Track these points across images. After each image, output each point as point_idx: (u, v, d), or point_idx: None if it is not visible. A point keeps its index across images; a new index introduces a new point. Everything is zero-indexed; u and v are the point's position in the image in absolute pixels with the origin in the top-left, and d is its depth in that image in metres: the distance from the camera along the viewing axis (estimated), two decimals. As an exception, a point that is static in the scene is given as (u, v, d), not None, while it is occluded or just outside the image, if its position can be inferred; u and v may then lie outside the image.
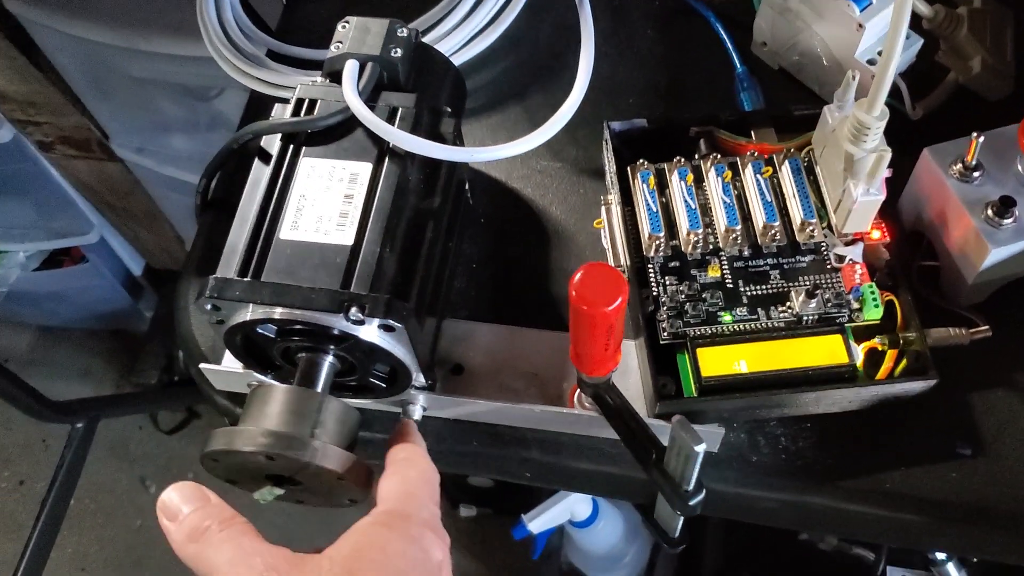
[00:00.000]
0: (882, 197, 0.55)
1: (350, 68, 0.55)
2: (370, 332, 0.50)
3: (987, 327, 0.57)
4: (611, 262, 0.59)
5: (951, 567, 0.90)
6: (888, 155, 0.52)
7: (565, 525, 1.18)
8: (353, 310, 0.48)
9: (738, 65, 0.70)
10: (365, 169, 0.53)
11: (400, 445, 0.50)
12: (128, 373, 1.69)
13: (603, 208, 0.61)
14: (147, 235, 1.53)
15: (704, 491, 0.50)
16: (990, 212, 0.55)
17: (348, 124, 0.55)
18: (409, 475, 0.48)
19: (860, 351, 0.56)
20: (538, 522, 1.13)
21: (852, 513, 0.55)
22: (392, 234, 0.52)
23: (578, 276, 0.44)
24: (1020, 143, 0.55)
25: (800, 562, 1.12)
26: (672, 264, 0.58)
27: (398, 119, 0.54)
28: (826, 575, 1.10)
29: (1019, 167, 0.57)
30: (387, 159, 0.53)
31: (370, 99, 0.55)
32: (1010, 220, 0.55)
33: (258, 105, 0.72)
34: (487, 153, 0.54)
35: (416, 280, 0.53)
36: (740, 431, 0.57)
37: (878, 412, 0.56)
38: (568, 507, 1.12)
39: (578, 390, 0.57)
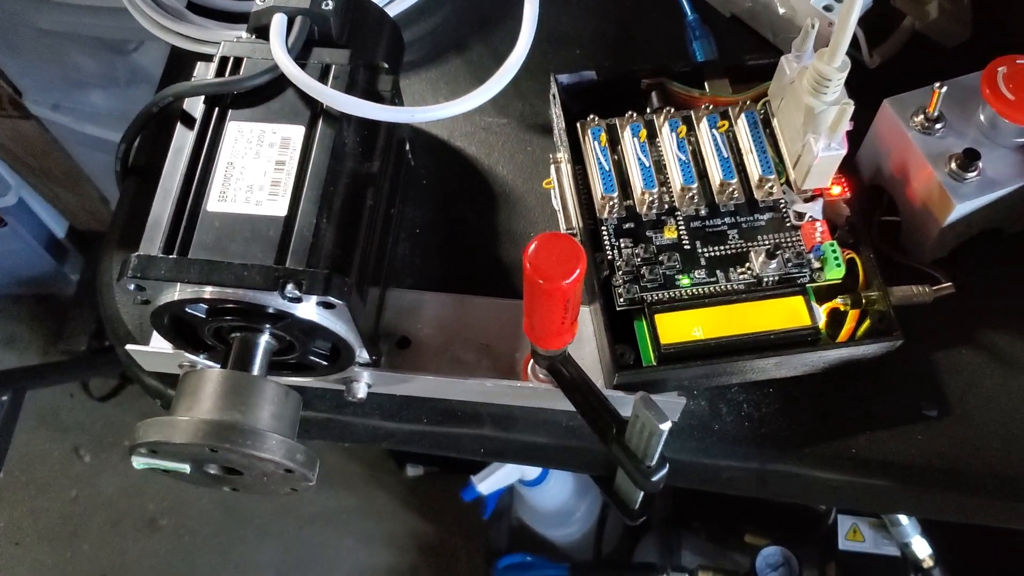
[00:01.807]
0: (844, 152, 0.52)
1: (278, 23, 0.51)
2: (308, 310, 0.46)
3: (950, 284, 0.55)
4: (562, 224, 0.56)
5: (902, 515, 0.90)
6: (850, 108, 0.50)
7: (515, 484, 1.16)
8: (289, 287, 0.45)
9: (689, 12, 0.67)
10: (297, 133, 0.49)
11: None
12: (56, 339, 1.62)
13: (552, 167, 0.58)
14: (69, 196, 1.46)
15: (667, 466, 0.48)
16: (954, 165, 0.53)
17: (277, 84, 0.50)
18: None
19: (822, 312, 0.54)
20: (487, 483, 1.11)
21: (818, 480, 0.54)
22: (329, 202, 0.48)
23: (532, 247, 0.41)
24: (983, 92, 0.53)
25: (749, 509, 1.12)
26: (627, 226, 0.56)
27: (331, 78, 0.50)
28: (776, 523, 1.10)
29: (981, 117, 0.55)
30: (321, 121, 0.49)
31: (300, 56, 0.51)
32: (974, 173, 0.53)
33: (180, 61, 0.67)
34: (429, 113, 0.50)
35: (357, 251, 0.49)
36: (701, 399, 0.55)
37: (841, 374, 0.54)
38: (518, 467, 1.10)
39: (532, 361, 0.54)
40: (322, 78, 0.50)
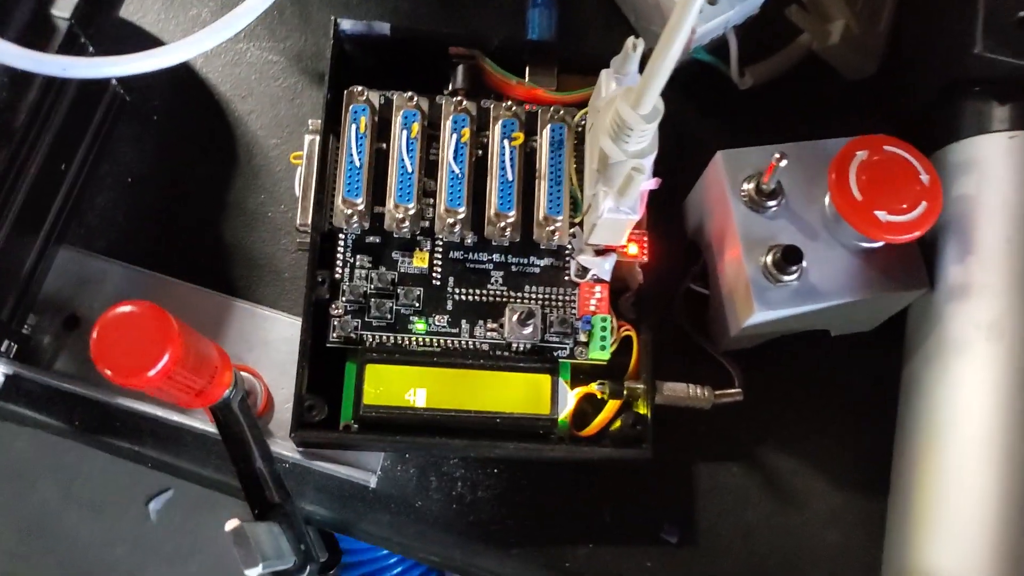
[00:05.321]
0: (635, 218, 0.41)
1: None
2: None
3: (739, 391, 0.45)
4: (299, 215, 0.45)
5: None
6: (641, 176, 0.38)
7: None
8: None
9: (537, -30, 0.53)
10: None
11: None
12: None
13: (307, 137, 0.46)
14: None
15: (309, 568, 0.39)
16: (770, 259, 0.42)
17: None
18: None
19: (573, 398, 0.44)
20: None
21: (518, 586, 0.45)
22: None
23: (96, 332, 0.30)
24: (829, 178, 0.41)
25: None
26: (370, 239, 0.45)
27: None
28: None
29: (827, 201, 0.43)
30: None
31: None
32: (792, 277, 0.42)
33: None
34: (94, 68, 0.38)
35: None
36: (411, 465, 0.46)
37: (585, 469, 0.45)
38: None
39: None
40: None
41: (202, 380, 0.35)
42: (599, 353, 0.44)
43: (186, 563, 1.10)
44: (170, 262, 0.47)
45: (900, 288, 0.44)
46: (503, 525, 0.45)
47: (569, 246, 0.45)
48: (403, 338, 0.44)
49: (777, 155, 0.41)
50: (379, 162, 0.45)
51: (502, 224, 0.44)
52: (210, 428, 0.45)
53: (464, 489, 0.45)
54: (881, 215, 0.41)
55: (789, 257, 0.42)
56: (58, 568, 1.10)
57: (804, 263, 0.42)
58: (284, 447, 0.45)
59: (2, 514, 1.11)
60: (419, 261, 0.45)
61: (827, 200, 0.43)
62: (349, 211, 0.44)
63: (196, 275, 0.47)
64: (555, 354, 0.44)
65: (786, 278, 0.42)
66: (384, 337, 0.43)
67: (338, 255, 0.44)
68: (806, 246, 0.42)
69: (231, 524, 0.33)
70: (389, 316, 0.43)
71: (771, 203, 0.43)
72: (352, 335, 0.43)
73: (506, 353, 0.44)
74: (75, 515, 1.12)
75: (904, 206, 0.41)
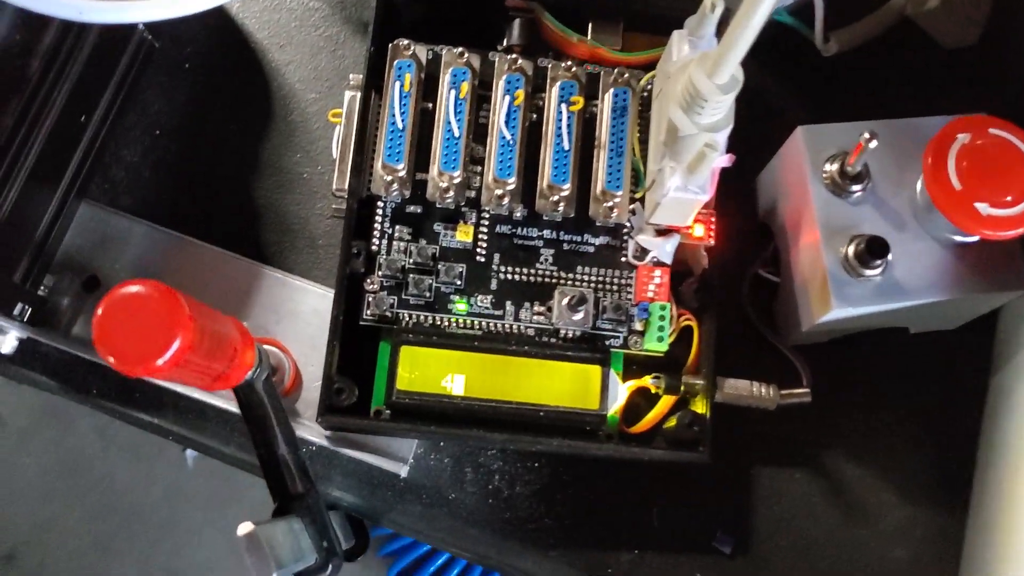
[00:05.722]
0: (705, 198, 0.37)
1: None
2: None
3: (807, 391, 0.41)
4: (335, 179, 0.42)
5: None
6: (714, 153, 0.34)
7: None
8: None
9: (611, -89, 0.48)
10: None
11: None
12: None
13: (347, 94, 0.43)
14: None
15: (332, 565, 0.36)
16: (851, 251, 0.38)
17: None
18: None
19: (624, 392, 0.41)
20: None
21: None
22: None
23: (99, 314, 0.27)
24: (924, 162, 0.37)
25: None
26: (411, 209, 0.41)
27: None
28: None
29: (919, 187, 0.39)
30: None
31: None
32: (875, 272, 0.38)
33: None
34: (115, 13, 0.34)
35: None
36: (445, 454, 0.42)
37: (633, 467, 0.42)
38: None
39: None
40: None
41: (219, 365, 0.32)
42: (656, 344, 0.40)
43: (222, 511, 1.08)
44: (197, 222, 0.44)
45: (995, 288, 0.39)
46: (541, 524, 0.42)
47: (628, 224, 0.41)
48: (442, 319, 0.40)
49: (867, 134, 0.37)
50: (424, 124, 0.41)
51: (555, 198, 0.40)
52: (233, 405, 0.42)
53: (501, 483, 0.42)
54: (982, 207, 0.36)
55: (874, 249, 0.37)
56: (94, 510, 1.10)
57: (890, 256, 0.38)
58: (311, 430, 0.42)
59: (41, 454, 1.11)
60: (463, 235, 0.41)
61: (919, 187, 0.39)
62: (389, 177, 0.40)
63: (224, 238, 0.44)
64: (607, 343, 0.41)
65: (869, 272, 0.38)
66: (421, 317, 0.40)
67: (375, 225, 0.41)
68: (892, 237, 0.38)
69: (244, 528, 0.30)
70: (428, 294, 0.40)
71: (856, 187, 0.39)
72: (387, 313, 0.40)
73: (553, 340, 0.41)
74: (113, 457, 1.11)
75: (1009, 198, 0.36)
